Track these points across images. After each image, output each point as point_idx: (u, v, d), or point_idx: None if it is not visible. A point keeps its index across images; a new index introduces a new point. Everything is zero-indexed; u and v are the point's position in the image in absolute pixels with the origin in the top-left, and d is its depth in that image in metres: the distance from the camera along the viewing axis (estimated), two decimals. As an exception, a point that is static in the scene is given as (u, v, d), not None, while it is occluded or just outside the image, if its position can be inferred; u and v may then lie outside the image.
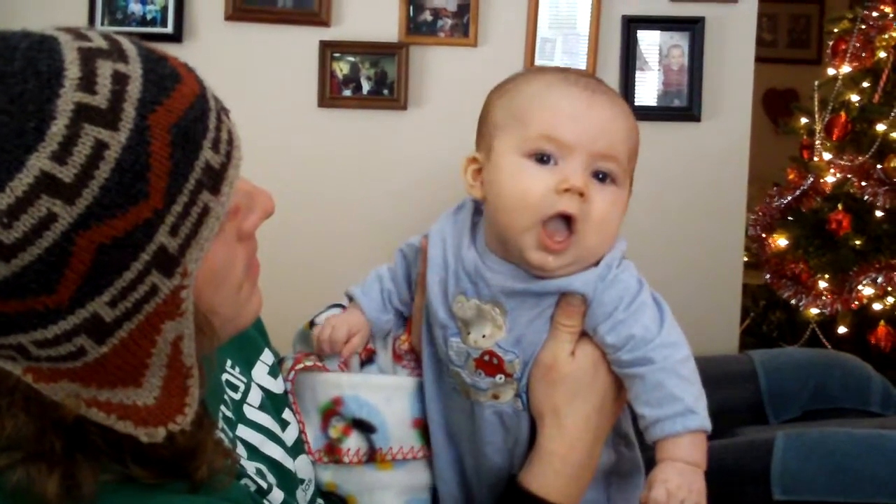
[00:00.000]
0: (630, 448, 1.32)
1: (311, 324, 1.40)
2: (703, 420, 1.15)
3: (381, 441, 1.30)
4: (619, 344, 1.16)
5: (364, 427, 1.31)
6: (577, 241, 1.15)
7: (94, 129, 0.77)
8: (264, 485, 1.07)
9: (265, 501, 1.04)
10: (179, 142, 0.81)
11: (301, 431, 1.30)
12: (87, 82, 0.78)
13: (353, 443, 1.30)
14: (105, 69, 0.79)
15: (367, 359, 1.38)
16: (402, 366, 1.36)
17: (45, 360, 0.81)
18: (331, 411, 1.31)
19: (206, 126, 0.85)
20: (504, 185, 1.18)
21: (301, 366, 1.33)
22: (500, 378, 1.22)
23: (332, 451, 1.31)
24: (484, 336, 1.21)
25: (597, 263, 1.20)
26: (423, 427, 1.32)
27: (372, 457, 1.30)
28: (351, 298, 1.37)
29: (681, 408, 1.13)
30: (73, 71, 0.78)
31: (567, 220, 1.15)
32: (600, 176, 1.16)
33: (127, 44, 0.84)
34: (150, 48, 0.86)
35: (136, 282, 0.80)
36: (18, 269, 0.75)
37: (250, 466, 1.11)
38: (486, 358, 1.22)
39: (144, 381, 0.85)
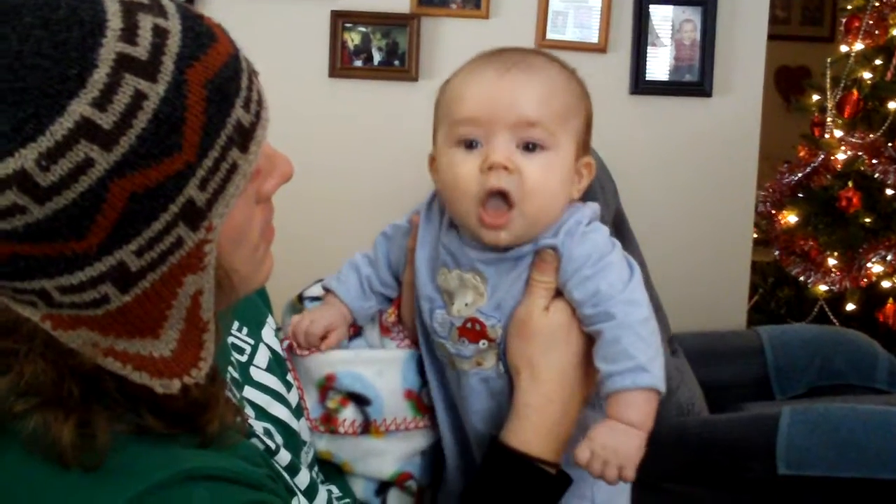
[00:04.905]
0: None
1: (300, 298, 1.42)
2: (655, 379, 1.16)
3: (375, 413, 1.33)
4: (583, 299, 1.19)
5: (359, 400, 1.33)
6: (518, 213, 1.19)
7: (134, 80, 0.78)
8: (272, 445, 1.08)
9: (273, 461, 1.06)
10: (214, 98, 0.83)
11: (300, 398, 1.32)
12: (129, 34, 0.79)
13: (350, 414, 1.32)
14: (146, 22, 0.80)
15: (355, 333, 1.39)
16: (390, 338, 1.38)
17: (67, 306, 0.82)
18: (326, 387, 1.33)
19: (239, 85, 0.86)
20: (443, 176, 1.24)
21: (292, 343, 1.35)
22: (483, 344, 1.25)
23: (329, 421, 1.33)
24: (466, 304, 1.25)
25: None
26: (414, 398, 1.35)
27: (367, 428, 1.33)
28: (328, 291, 1.39)
29: (632, 364, 1.15)
30: (115, 22, 0.79)
31: (503, 195, 1.18)
32: (530, 146, 1.18)
33: (165, 0, 0.86)
34: (187, 7, 0.88)
35: (163, 233, 0.81)
36: (51, 212, 0.76)
37: (258, 426, 1.12)
38: (469, 325, 1.25)
39: (162, 333, 0.86)
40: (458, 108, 1.22)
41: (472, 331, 1.25)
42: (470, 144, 1.21)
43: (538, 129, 1.19)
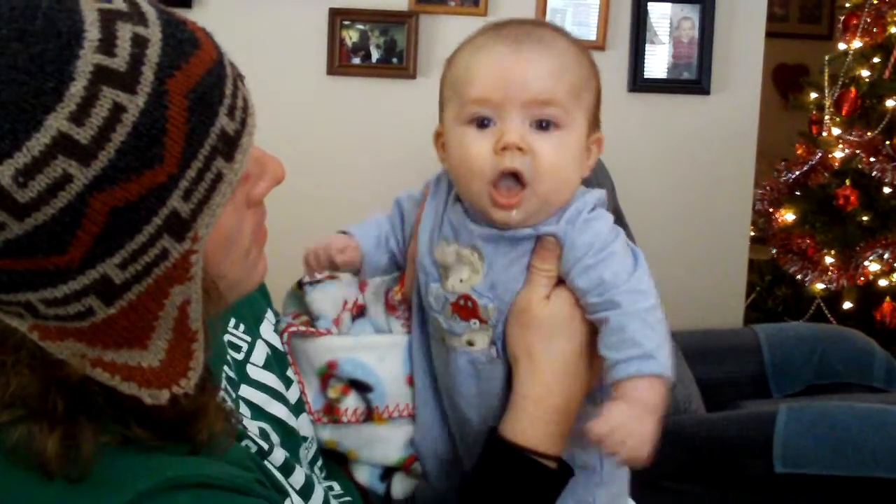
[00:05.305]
0: None
1: (300, 285, 1.41)
2: (662, 366, 1.14)
3: (377, 399, 1.32)
4: (587, 288, 1.18)
5: (361, 387, 1.32)
6: (531, 192, 1.18)
7: (112, 92, 0.76)
8: (265, 445, 1.07)
9: (266, 462, 1.05)
10: (196, 108, 0.81)
11: (301, 392, 1.32)
12: (107, 44, 0.77)
13: (352, 402, 1.32)
14: (125, 32, 0.79)
15: (359, 313, 1.38)
16: (395, 317, 1.37)
17: (52, 318, 0.81)
18: (327, 375, 1.33)
19: (223, 93, 0.85)
20: (452, 155, 1.23)
21: (294, 329, 1.34)
22: (474, 323, 1.24)
23: (331, 412, 1.32)
24: (461, 280, 1.24)
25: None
26: None
27: (370, 415, 1.32)
28: (344, 233, 1.39)
29: (639, 352, 1.14)
30: (92, 32, 0.77)
31: (515, 175, 1.17)
32: (543, 124, 1.18)
33: (146, 6, 0.84)
34: (169, 11, 0.86)
35: (147, 245, 0.80)
36: (31, 228, 0.75)
37: (253, 426, 1.11)
38: (462, 302, 1.24)
39: (150, 344, 0.85)
40: (469, 88, 1.20)
41: (464, 308, 1.24)
42: (482, 123, 1.19)
43: (552, 107, 1.18)
